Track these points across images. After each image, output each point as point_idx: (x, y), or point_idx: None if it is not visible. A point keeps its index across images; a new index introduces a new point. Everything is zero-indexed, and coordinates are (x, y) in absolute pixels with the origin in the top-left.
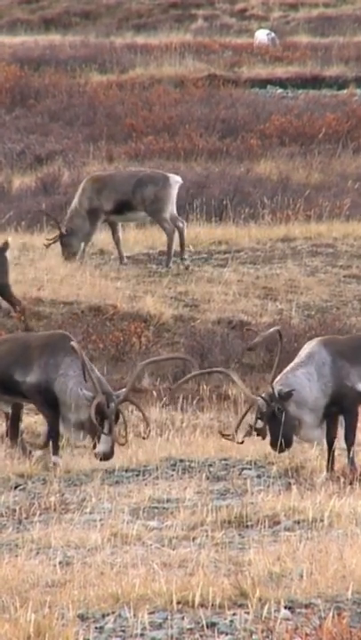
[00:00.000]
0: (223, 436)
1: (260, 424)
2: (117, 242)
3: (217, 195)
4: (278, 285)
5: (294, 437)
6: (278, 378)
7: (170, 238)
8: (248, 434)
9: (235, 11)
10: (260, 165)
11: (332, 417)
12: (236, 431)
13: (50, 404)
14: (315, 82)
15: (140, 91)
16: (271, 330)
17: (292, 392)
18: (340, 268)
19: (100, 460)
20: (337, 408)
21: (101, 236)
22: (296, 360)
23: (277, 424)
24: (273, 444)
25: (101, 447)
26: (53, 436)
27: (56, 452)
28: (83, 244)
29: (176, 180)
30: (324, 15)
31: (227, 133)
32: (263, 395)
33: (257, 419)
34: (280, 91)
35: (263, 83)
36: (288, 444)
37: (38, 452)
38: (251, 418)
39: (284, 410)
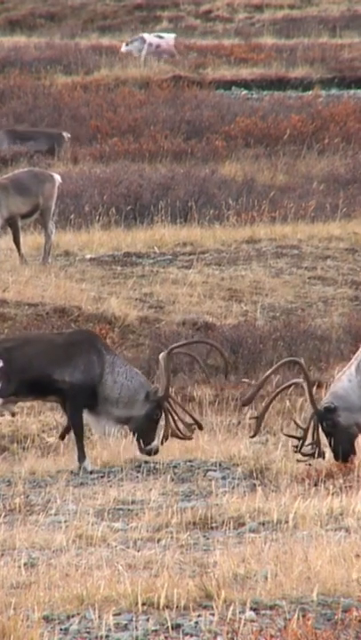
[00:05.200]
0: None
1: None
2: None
3: (182, 196)
4: (243, 287)
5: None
6: (331, 384)
7: None
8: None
9: (199, 12)
10: (225, 167)
11: None
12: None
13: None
14: (280, 83)
15: (105, 92)
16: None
17: (334, 406)
18: (305, 269)
19: (151, 454)
20: None
21: (66, 238)
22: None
23: (335, 437)
24: (335, 457)
25: (156, 441)
26: (80, 437)
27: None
28: None
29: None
30: (289, 17)
31: (192, 135)
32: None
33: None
34: (245, 92)
35: (228, 84)
36: (347, 453)
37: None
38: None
39: (335, 423)
